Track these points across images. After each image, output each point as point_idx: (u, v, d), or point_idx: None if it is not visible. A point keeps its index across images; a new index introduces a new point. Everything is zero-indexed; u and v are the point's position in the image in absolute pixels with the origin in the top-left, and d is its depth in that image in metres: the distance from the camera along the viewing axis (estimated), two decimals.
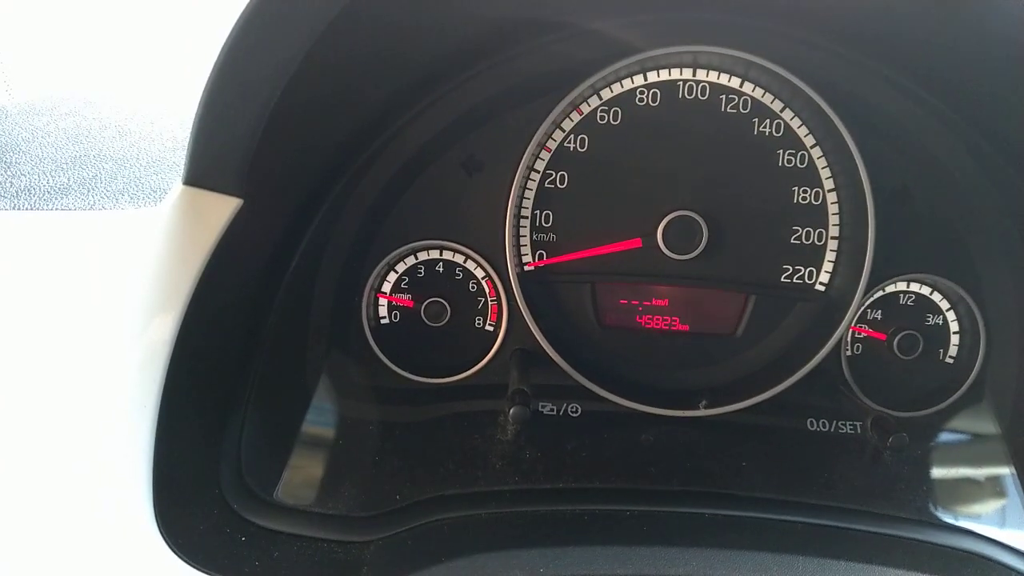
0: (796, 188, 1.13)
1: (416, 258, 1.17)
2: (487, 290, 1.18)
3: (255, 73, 0.77)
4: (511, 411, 0.99)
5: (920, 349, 1.16)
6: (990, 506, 1.03)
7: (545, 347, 1.12)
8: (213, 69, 0.76)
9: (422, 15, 0.89)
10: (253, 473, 0.96)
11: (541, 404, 1.15)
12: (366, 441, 1.08)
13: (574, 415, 1.15)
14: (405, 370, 1.17)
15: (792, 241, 1.14)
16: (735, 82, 1.10)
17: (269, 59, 0.76)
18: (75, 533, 0.83)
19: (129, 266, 0.86)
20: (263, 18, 0.73)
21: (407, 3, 0.84)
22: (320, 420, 1.10)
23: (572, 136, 1.12)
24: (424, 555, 0.85)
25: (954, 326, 1.17)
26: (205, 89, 0.77)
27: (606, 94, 1.11)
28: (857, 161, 1.06)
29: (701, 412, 1.12)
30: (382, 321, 1.19)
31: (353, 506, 0.94)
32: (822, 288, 1.16)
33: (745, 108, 1.11)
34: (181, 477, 0.87)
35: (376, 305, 1.18)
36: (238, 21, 0.73)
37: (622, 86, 1.10)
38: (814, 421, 1.15)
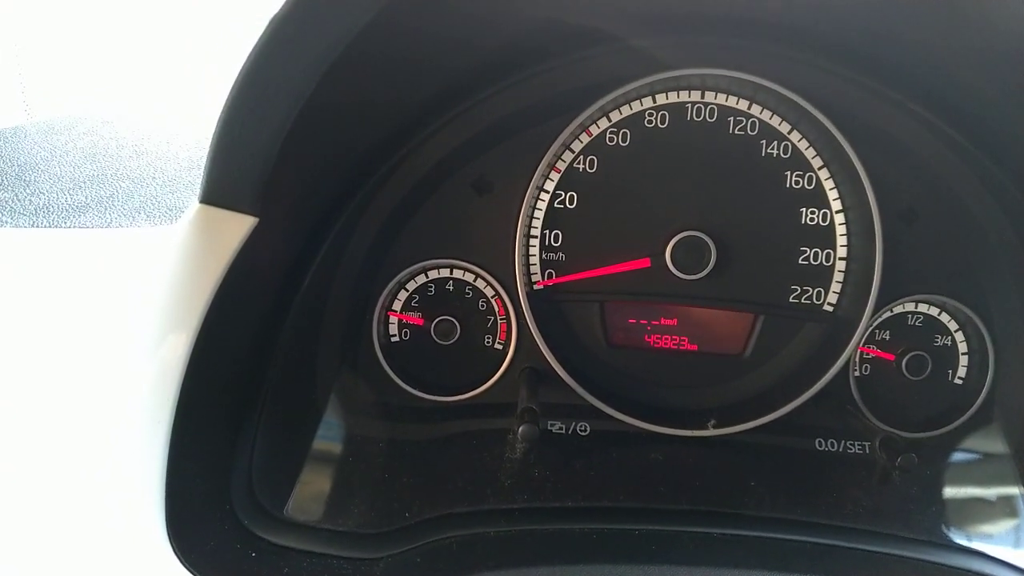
0: (804, 209, 1.13)
1: (427, 276, 1.18)
2: (496, 309, 1.19)
3: (273, 94, 0.78)
4: (520, 429, 1.00)
5: (929, 370, 1.15)
6: (1000, 527, 1.02)
7: (554, 366, 1.12)
8: (232, 89, 0.77)
9: (435, 40, 0.91)
10: (264, 489, 0.96)
11: (550, 423, 1.15)
12: (375, 458, 1.08)
13: (583, 434, 1.15)
14: (414, 388, 1.18)
15: (800, 262, 1.15)
16: (743, 104, 1.11)
17: (287, 81, 0.77)
18: (88, 547, 0.84)
19: (145, 283, 0.88)
20: (282, 41, 0.75)
21: (421, 32, 0.86)
22: (330, 437, 1.10)
23: (581, 157, 1.14)
24: (433, 573, 0.85)
25: (963, 347, 1.17)
26: (224, 109, 0.78)
27: (615, 116, 1.12)
28: (864, 183, 1.06)
29: (710, 432, 1.12)
30: (392, 339, 1.20)
31: (362, 523, 0.95)
32: (830, 309, 1.16)
33: (753, 130, 1.12)
34: (193, 493, 0.87)
35: (386, 323, 1.19)
36: (257, 43, 0.75)
37: (631, 108, 1.11)
38: (822, 441, 1.15)
